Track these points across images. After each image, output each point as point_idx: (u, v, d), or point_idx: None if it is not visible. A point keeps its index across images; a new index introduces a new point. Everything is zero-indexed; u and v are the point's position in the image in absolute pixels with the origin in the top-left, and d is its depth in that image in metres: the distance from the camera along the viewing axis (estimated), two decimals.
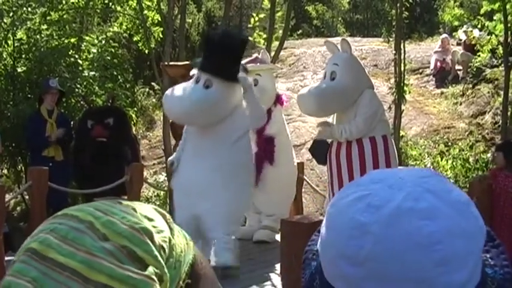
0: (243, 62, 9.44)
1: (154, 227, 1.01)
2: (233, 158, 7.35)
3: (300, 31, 26.43)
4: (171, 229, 1.05)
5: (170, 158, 7.98)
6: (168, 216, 1.08)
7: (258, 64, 9.17)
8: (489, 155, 13.23)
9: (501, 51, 13.77)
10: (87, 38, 14.41)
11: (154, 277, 0.96)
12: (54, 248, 0.94)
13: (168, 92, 7.52)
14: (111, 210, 1.00)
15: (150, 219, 1.02)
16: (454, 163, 13.05)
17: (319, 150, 8.58)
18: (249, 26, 23.22)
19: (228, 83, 7.32)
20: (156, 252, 0.98)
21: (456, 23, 16.04)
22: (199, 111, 7.17)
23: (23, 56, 12.88)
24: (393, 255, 0.94)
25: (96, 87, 13.13)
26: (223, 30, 7.63)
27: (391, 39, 14.82)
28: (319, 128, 8.54)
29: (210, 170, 7.19)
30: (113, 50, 14.16)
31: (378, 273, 0.95)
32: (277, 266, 6.55)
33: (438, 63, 17.68)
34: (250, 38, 21.88)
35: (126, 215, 1.00)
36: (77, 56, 13.38)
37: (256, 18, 21.07)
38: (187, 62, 9.97)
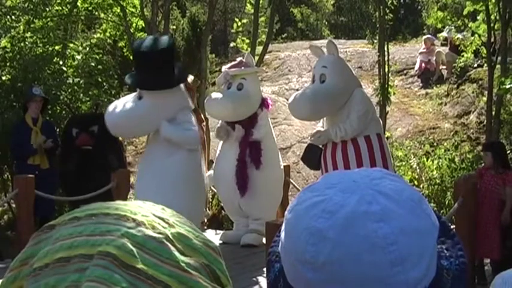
0: (227, 65, 9.50)
1: (210, 241, 0.96)
2: (170, 170, 7.65)
3: (285, 34, 26.46)
4: None
5: None
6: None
7: (243, 68, 9.16)
8: (474, 154, 13.30)
9: (485, 51, 13.85)
10: (71, 45, 14.39)
11: None
12: (135, 257, 0.84)
13: (113, 104, 7.88)
14: (170, 222, 0.92)
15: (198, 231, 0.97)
16: (439, 163, 13.09)
17: (311, 155, 8.60)
18: (232, 31, 23.33)
19: (159, 92, 7.43)
20: (227, 272, 0.96)
21: (440, 25, 16.12)
22: (125, 123, 7.49)
23: (7, 64, 12.83)
24: (350, 258, 0.97)
25: (81, 94, 13.10)
26: (142, 42, 7.65)
27: (375, 41, 14.87)
28: (314, 139, 8.55)
29: (150, 180, 7.54)
30: (97, 57, 14.13)
31: (337, 276, 0.97)
32: (265, 270, 6.57)
33: (423, 64, 17.75)
34: (233, 43, 21.94)
35: (189, 228, 0.94)
36: (61, 63, 13.35)
37: (239, 24, 21.11)
38: None
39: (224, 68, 9.46)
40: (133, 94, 7.51)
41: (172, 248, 0.88)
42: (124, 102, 7.49)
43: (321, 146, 8.50)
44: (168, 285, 0.84)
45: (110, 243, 0.85)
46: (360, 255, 0.96)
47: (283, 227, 1.08)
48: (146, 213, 0.92)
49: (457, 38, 15.90)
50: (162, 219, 0.92)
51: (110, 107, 7.64)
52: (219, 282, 0.93)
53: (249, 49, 13.78)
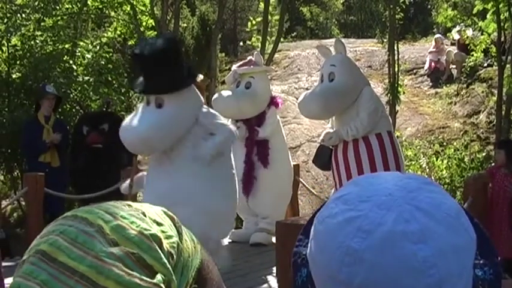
0: (237, 64, 9.51)
1: (163, 232, 1.00)
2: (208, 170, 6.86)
3: (294, 33, 26.44)
4: (179, 233, 1.05)
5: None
6: (176, 219, 1.07)
7: (252, 67, 9.17)
8: (484, 154, 13.27)
9: (494, 51, 13.81)
10: (81, 43, 14.40)
11: (162, 285, 0.95)
12: (63, 251, 0.93)
13: (125, 122, 6.88)
14: (121, 214, 0.99)
15: (159, 224, 1.01)
16: (449, 163, 13.07)
17: (322, 155, 8.61)
18: (247, 30, 23.33)
19: (179, 93, 6.75)
20: (165, 259, 0.97)
21: (449, 24, 16.08)
22: (155, 135, 6.57)
23: (18, 62, 12.87)
24: (387, 282, 0.93)
25: (91, 93, 13.13)
26: (144, 45, 6.86)
27: (385, 40, 14.85)
28: (324, 139, 8.53)
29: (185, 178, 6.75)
30: (107, 55, 14.15)
31: None
32: (274, 269, 6.56)
33: (432, 64, 17.71)
34: (248, 42, 21.93)
35: (135, 220, 0.99)
36: (71, 62, 13.37)
37: (254, 22, 21.13)
38: None
39: (234, 66, 9.47)
40: (145, 105, 6.75)
41: (100, 239, 0.94)
42: (141, 116, 6.64)
43: (330, 147, 8.49)
44: (84, 275, 0.91)
45: (47, 241, 0.95)
46: (397, 279, 0.93)
47: (312, 235, 1.05)
48: (99, 211, 1.00)
49: (467, 37, 15.87)
50: (111, 214, 1.00)
51: (126, 126, 6.68)
52: (151, 270, 0.95)
53: (259, 47, 13.77)
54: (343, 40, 9.80)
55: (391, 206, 0.97)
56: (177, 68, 6.70)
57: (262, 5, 16.15)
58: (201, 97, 7.23)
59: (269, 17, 15.93)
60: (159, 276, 0.95)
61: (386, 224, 0.95)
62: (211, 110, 7.37)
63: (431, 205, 0.98)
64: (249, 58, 9.66)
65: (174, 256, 1.00)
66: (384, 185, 1.02)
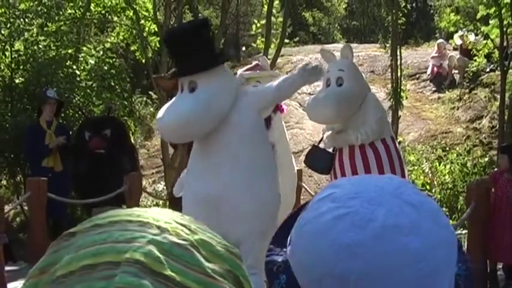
0: (243, 68, 9.49)
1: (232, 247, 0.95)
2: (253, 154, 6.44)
3: (297, 38, 26.46)
4: None
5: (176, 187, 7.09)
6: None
7: (258, 71, 9.16)
8: (487, 159, 13.26)
9: (497, 56, 13.81)
10: (84, 48, 14.42)
11: None
12: (163, 264, 0.83)
13: (160, 112, 6.51)
14: (191, 228, 0.91)
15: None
16: (451, 168, 13.06)
17: (321, 158, 8.56)
18: (251, 33, 23.34)
19: (211, 72, 6.32)
20: (249, 277, 0.94)
21: (452, 29, 16.09)
22: (191, 119, 6.19)
23: (21, 67, 12.90)
24: (382, 274, 0.95)
25: (94, 98, 13.15)
26: (174, 28, 6.60)
27: (387, 45, 14.86)
28: (331, 139, 8.50)
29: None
30: (110, 61, 14.16)
31: None
32: None
33: (435, 69, 17.72)
34: (253, 45, 21.90)
35: (211, 235, 0.93)
36: (74, 67, 13.39)
37: (258, 25, 21.13)
38: None
39: (240, 71, 9.47)
40: (179, 93, 6.37)
41: (197, 254, 0.87)
42: (175, 104, 6.31)
43: (330, 151, 8.46)
44: None
45: (137, 250, 0.84)
46: (392, 272, 0.95)
47: (295, 238, 1.05)
48: (168, 220, 0.91)
49: (469, 42, 15.88)
50: (184, 225, 0.91)
51: (161, 116, 6.33)
52: None
53: (263, 51, 13.80)
54: None
55: (381, 200, 0.99)
56: (207, 48, 6.40)
57: (265, 8, 16.15)
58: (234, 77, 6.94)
59: (273, 19, 15.95)
60: None
61: (378, 219, 0.97)
62: (249, 87, 7.20)
63: (417, 201, 1.01)
64: (255, 62, 9.63)
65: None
66: (371, 182, 1.05)
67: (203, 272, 0.85)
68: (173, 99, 6.55)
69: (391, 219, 0.97)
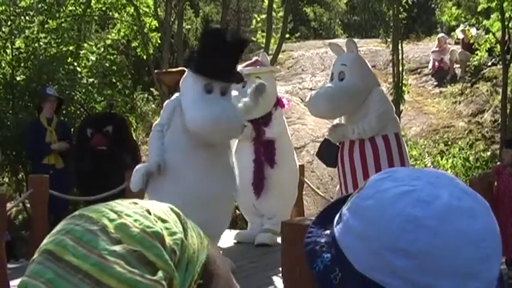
0: (243, 64, 9.48)
1: (166, 228, 1.02)
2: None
3: (298, 33, 26.44)
4: (184, 229, 1.06)
5: (152, 163, 7.11)
6: (182, 216, 1.09)
7: (258, 67, 9.14)
8: (489, 153, 13.25)
9: (499, 49, 13.79)
10: (85, 45, 14.41)
11: (163, 282, 0.97)
12: (69, 250, 0.95)
13: (196, 114, 6.80)
14: (125, 212, 1.01)
15: (164, 221, 1.03)
16: (454, 162, 13.06)
17: (329, 152, 8.56)
18: (252, 27, 23.33)
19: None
20: (167, 256, 0.99)
21: (454, 23, 16.07)
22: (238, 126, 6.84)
23: (22, 64, 12.87)
24: (447, 249, 0.98)
25: (95, 94, 13.13)
26: (232, 33, 6.98)
27: (388, 39, 14.85)
28: (330, 131, 8.50)
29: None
30: (111, 57, 14.15)
31: (429, 266, 0.98)
32: (279, 269, 6.55)
33: (436, 63, 17.70)
34: (253, 39, 21.97)
35: (139, 218, 1.01)
36: (75, 64, 13.37)
37: (258, 19, 21.13)
38: (182, 68, 9.89)
39: (240, 67, 9.45)
40: (203, 93, 6.71)
41: (104, 238, 0.96)
42: (218, 105, 6.65)
43: (337, 144, 8.46)
44: (88, 274, 0.93)
45: (53, 241, 0.98)
46: (456, 247, 0.98)
47: (352, 213, 1.08)
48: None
49: (471, 36, 15.86)
50: (118, 213, 1.01)
51: (193, 117, 6.64)
52: (153, 267, 0.97)
53: (264, 46, 13.78)
54: None
55: (442, 185, 1.04)
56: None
57: (266, 2, 16.14)
58: None
59: (273, 14, 15.93)
60: (160, 273, 0.97)
61: (443, 198, 1.01)
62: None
63: (471, 192, 1.06)
64: (255, 58, 9.63)
65: (177, 252, 1.02)
66: (428, 171, 1.10)
67: (99, 254, 0.94)
68: (197, 99, 6.75)
69: (455, 201, 1.01)
